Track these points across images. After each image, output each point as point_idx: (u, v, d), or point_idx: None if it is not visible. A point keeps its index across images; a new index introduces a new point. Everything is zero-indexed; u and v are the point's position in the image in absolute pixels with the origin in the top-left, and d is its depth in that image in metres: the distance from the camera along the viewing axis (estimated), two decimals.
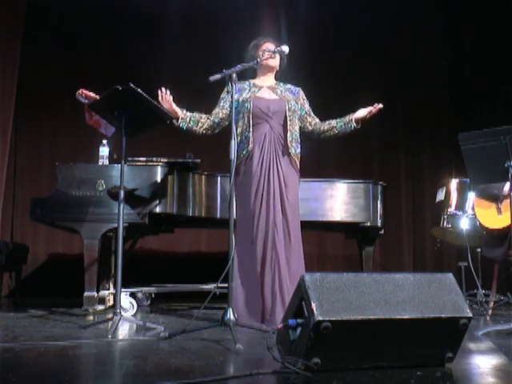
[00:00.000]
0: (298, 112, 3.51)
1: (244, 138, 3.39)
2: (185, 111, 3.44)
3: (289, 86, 3.58)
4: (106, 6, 5.83)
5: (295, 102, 3.50)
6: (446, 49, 6.24)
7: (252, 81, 3.54)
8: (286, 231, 3.35)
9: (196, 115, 3.48)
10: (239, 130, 3.41)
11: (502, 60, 5.99)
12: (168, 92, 3.36)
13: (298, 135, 3.49)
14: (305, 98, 3.60)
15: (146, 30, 5.89)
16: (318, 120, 3.59)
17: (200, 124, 3.47)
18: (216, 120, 3.50)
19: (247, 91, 3.47)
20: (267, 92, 3.50)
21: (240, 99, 3.43)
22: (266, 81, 3.55)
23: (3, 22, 5.21)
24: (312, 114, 3.59)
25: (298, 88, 3.59)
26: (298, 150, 3.48)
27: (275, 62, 3.50)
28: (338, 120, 3.56)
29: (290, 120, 3.43)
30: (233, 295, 3.19)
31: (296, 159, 3.45)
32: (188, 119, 3.44)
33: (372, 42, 6.23)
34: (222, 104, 3.50)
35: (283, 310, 3.24)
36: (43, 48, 5.80)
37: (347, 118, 3.53)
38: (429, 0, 6.21)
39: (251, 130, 3.38)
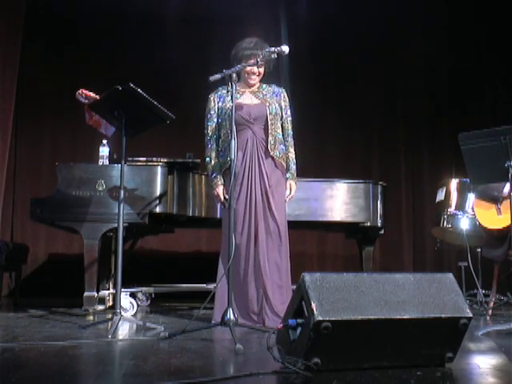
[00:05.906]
0: (279, 114, 3.46)
1: (227, 145, 3.32)
2: (220, 178, 3.41)
3: (272, 87, 3.53)
4: (106, 6, 5.83)
5: (278, 104, 3.47)
6: (446, 48, 6.23)
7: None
8: (276, 232, 3.35)
9: (218, 163, 3.44)
10: (222, 137, 3.41)
11: (502, 60, 6.00)
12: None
13: (282, 137, 3.47)
14: (287, 100, 3.53)
15: (145, 30, 5.90)
16: (289, 140, 3.51)
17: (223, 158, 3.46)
18: (214, 142, 3.47)
19: (229, 98, 3.36)
20: (249, 97, 3.46)
21: (222, 106, 3.43)
22: (249, 85, 3.50)
23: (3, 22, 5.21)
24: (288, 123, 3.51)
25: (281, 89, 3.54)
26: (283, 153, 3.46)
27: (256, 80, 3.46)
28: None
29: (271, 124, 3.40)
30: (219, 294, 3.22)
31: (282, 161, 3.43)
32: (223, 173, 3.42)
33: (372, 41, 6.22)
34: (211, 119, 3.47)
35: (269, 309, 3.27)
36: (43, 48, 5.80)
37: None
38: (430, 1, 6.21)
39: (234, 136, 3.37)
